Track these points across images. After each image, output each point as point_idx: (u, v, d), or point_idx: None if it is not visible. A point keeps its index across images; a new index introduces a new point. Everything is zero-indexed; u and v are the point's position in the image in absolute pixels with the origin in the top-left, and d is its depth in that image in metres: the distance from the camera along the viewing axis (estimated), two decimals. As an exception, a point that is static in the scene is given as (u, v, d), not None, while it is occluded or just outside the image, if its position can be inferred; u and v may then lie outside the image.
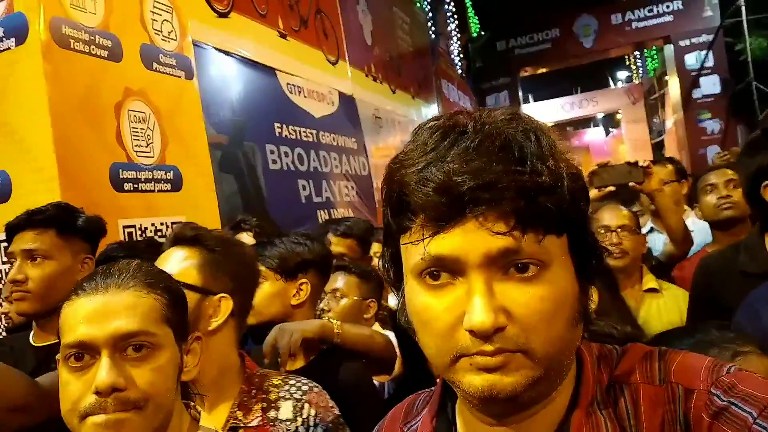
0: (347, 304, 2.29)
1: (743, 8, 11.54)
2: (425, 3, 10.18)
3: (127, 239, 2.73)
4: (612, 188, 2.60)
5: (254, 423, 1.35)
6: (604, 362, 0.73)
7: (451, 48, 12.61)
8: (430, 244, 0.64)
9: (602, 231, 2.45)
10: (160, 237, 2.92)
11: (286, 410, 1.37)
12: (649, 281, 2.47)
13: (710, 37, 12.48)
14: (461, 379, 0.65)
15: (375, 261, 2.84)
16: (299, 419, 1.36)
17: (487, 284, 0.63)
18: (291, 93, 4.85)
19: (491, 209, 0.62)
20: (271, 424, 1.35)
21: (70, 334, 0.99)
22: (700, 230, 3.15)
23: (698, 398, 0.65)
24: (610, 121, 22.62)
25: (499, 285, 0.64)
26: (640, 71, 18.71)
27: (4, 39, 2.62)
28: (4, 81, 2.63)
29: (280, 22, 4.82)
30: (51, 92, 2.55)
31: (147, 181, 2.98)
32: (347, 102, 5.85)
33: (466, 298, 0.63)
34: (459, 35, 13.13)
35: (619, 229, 2.42)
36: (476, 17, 15.18)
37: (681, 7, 13.06)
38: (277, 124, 4.56)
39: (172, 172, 3.14)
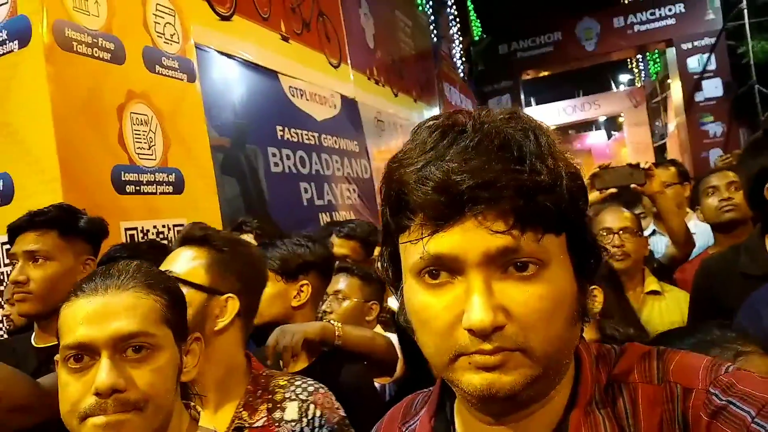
0: (349, 306, 2.29)
1: (745, 11, 11.55)
2: (427, 6, 10.20)
3: (128, 241, 2.73)
4: (613, 190, 2.60)
5: (259, 423, 1.35)
6: (602, 362, 0.73)
7: (453, 51, 12.62)
8: (429, 242, 0.64)
9: (604, 233, 2.45)
10: (161, 239, 2.92)
11: (291, 411, 1.37)
12: (651, 283, 2.47)
13: (712, 41, 12.46)
14: (460, 378, 0.65)
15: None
16: (305, 420, 1.36)
17: (486, 283, 0.63)
18: (293, 96, 4.86)
19: (490, 208, 0.62)
20: (276, 424, 1.35)
21: (69, 336, 0.99)
22: (702, 232, 3.15)
23: (697, 397, 0.65)
24: (612, 124, 22.63)
25: (498, 284, 0.64)
26: (643, 74, 18.70)
27: (7, 42, 2.63)
28: (7, 83, 2.63)
29: (283, 26, 4.83)
30: (54, 94, 2.56)
31: (149, 183, 2.98)
32: (349, 105, 5.86)
33: (465, 297, 0.63)
34: (461, 38, 13.15)
35: (621, 231, 2.42)
36: (478, 20, 15.21)
37: (683, 10, 13.05)
38: (279, 127, 4.56)
39: (174, 174, 3.15)
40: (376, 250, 3.05)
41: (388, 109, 6.91)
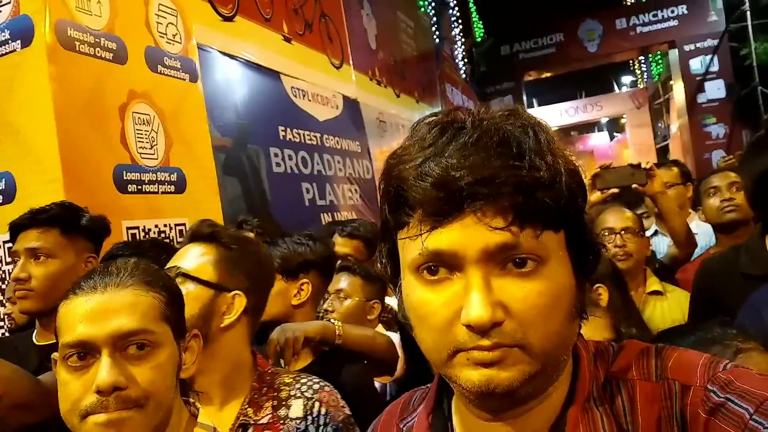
0: (351, 305, 2.29)
1: (748, 13, 11.54)
2: (429, 7, 10.20)
3: (130, 240, 2.74)
4: (615, 190, 2.59)
5: (264, 420, 1.35)
6: (600, 358, 0.73)
7: (456, 52, 12.63)
8: (428, 239, 0.64)
9: (606, 233, 2.45)
10: (163, 239, 2.93)
11: (296, 408, 1.37)
12: (653, 284, 2.47)
13: (715, 42, 12.46)
14: (458, 374, 0.65)
15: None
16: (309, 418, 1.36)
17: (484, 279, 0.63)
18: (295, 96, 4.86)
19: (489, 204, 0.62)
20: (281, 422, 1.35)
21: (69, 334, 0.99)
22: (704, 233, 3.14)
23: (695, 394, 0.65)
24: (614, 125, 22.59)
25: (497, 280, 0.64)
26: (645, 76, 18.68)
27: (9, 41, 2.64)
28: (10, 83, 2.64)
29: (285, 26, 4.84)
30: (56, 94, 2.57)
31: (151, 182, 2.99)
32: (351, 106, 5.86)
33: (464, 293, 0.63)
34: (463, 39, 13.15)
35: (622, 232, 2.42)
36: (480, 21, 15.22)
37: (686, 11, 13.05)
38: (281, 128, 4.56)
39: (175, 173, 3.15)
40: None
41: (390, 110, 6.92)
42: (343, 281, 2.33)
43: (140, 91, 3.02)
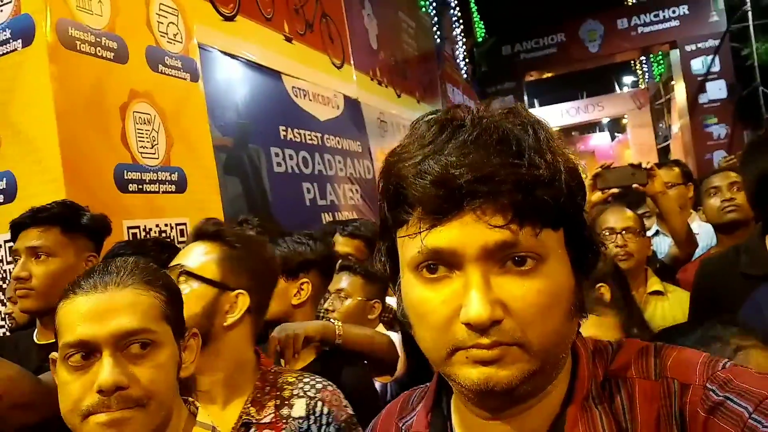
0: (351, 305, 2.29)
1: (750, 13, 11.53)
2: (431, 7, 10.20)
3: (132, 239, 2.74)
4: (615, 190, 2.59)
5: (267, 419, 1.35)
6: (599, 357, 0.73)
7: (457, 52, 12.63)
8: (427, 237, 0.64)
9: (607, 233, 2.45)
10: (164, 238, 2.93)
11: (299, 408, 1.37)
12: (654, 284, 2.47)
13: (716, 42, 12.45)
14: (457, 373, 0.65)
15: None
16: (312, 417, 1.36)
17: (484, 277, 0.63)
18: (296, 96, 4.86)
19: (489, 202, 0.62)
20: (283, 421, 1.35)
21: (69, 333, 0.99)
22: (705, 233, 3.14)
23: (694, 393, 0.65)
24: (615, 126, 22.59)
25: (496, 278, 0.64)
26: (646, 76, 18.69)
27: (10, 40, 2.64)
28: (11, 82, 2.64)
29: (286, 26, 4.84)
30: (57, 93, 2.57)
31: (152, 182, 2.99)
32: (352, 105, 5.86)
33: (463, 292, 0.63)
34: (464, 39, 13.15)
35: (623, 231, 2.42)
36: (482, 22, 15.22)
37: (687, 12, 13.04)
38: (282, 127, 4.56)
39: (176, 173, 3.16)
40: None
41: (391, 110, 6.91)
42: (343, 281, 2.33)
43: (141, 90, 3.02)
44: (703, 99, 12.66)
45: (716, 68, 12.58)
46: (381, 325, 2.40)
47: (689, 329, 1.21)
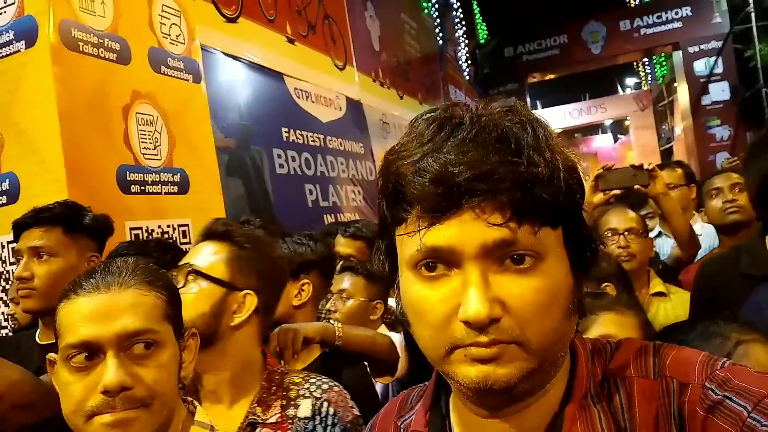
0: (353, 305, 2.28)
1: (753, 15, 11.52)
2: (433, 9, 10.21)
3: (134, 240, 2.74)
4: (617, 191, 2.59)
5: (273, 420, 1.35)
6: (597, 356, 0.73)
7: (459, 54, 12.63)
8: (426, 235, 0.64)
9: (609, 234, 2.44)
10: (166, 239, 2.93)
11: (305, 408, 1.37)
12: (657, 285, 2.46)
13: (719, 44, 12.44)
14: (455, 371, 0.65)
15: None
16: (317, 418, 1.36)
17: (482, 275, 0.63)
18: (298, 98, 4.87)
19: (487, 200, 0.62)
20: (289, 421, 1.34)
21: (71, 334, 0.98)
22: (708, 234, 3.13)
23: (693, 392, 0.65)
24: (618, 127, 22.58)
25: (495, 276, 0.64)
26: (649, 78, 18.68)
27: (14, 42, 2.65)
28: (14, 83, 2.65)
29: (288, 28, 4.85)
30: (60, 94, 2.58)
31: (154, 183, 3.00)
32: (354, 107, 5.87)
33: (462, 290, 0.63)
34: (467, 41, 13.16)
35: (626, 232, 2.41)
36: (484, 23, 15.23)
37: (690, 13, 13.03)
38: (284, 129, 4.57)
39: (179, 174, 3.16)
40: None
41: (393, 111, 6.92)
42: (346, 281, 2.33)
43: (144, 91, 3.03)
44: (706, 101, 12.65)
45: (719, 70, 12.56)
46: (383, 326, 2.40)
47: (690, 326, 1.21)
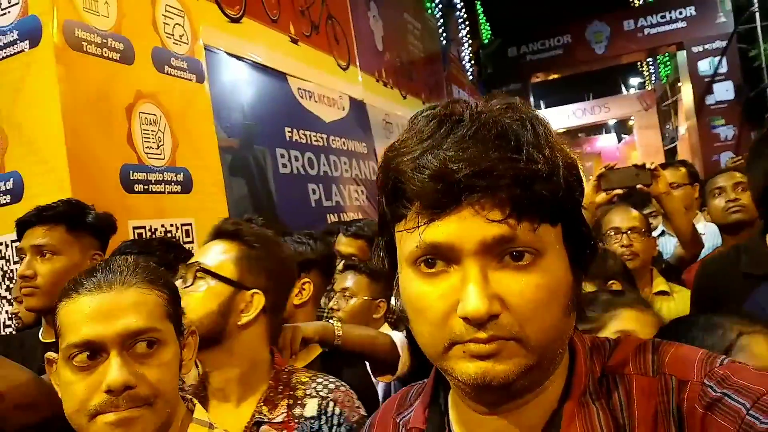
0: (356, 304, 2.29)
1: (757, 14, 11.48)
2: (436, 9, 10.20)
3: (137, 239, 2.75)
4: (619, 191, 2.58)
5: (279, 419, 1.35)
6: (596, 353, 0.73)
7: (463, 54, 12.61)
8: (426, 231, 0.64)
9: (612, 233, 2.44)
10: (170, 238, 2.94)
11: (311, 408, 1.37)
12: (660, 284, 2.46)
13: (724, 44, 12.40)
14: (454, 367, 0.65)
15: None
16: (323, 417, 1.36)
17: (482, 272, 0.63)
18: (302, 98, 4.88)
19: (487, 197, 0.62)
20: (295, 420, 1.35)
21: (74, 334, 0.98)
22: (711, 233, 3.12)
23: (692, 390, 0.65)
24: (622, 127, 22.52)
25: (494, 273, 0.64)
26: (653, 77, 18.63)
27: (18, 42, 2.66)
28: (18, 83, 2.66)
29: (292, 28, 4.85)
30: (63, 94, 2.59)
31: (157, 182, 3.00)
32: (358, 107, 5.87)
33: (461, 286, 0.63)
34: (470, 41, 13.13)
35: (629, 231, 2.41)
36: (487, 23, 15.21)
37: (694, 13, 13.00)
38: (287, 129, 4.58)
39: (182, 174, 3.17)
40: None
41: (396, 111, 6.92)
42: (348, 280, 2.33)
43: (147, 91, 3.03)
44: (710, 100, 12.62)
45: (723, 69, 12.53)
46: (386, 324, 2.40)
47: (693, 319, 1.21)
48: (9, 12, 2.69)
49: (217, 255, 1.42)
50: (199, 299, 1.34)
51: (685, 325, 1.16)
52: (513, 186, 0.62)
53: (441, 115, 0.67)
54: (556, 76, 15.79)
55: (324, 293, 2.07)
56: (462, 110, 0.67)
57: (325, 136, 5.09)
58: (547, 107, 18.65)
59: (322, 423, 1.35)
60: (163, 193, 3.04)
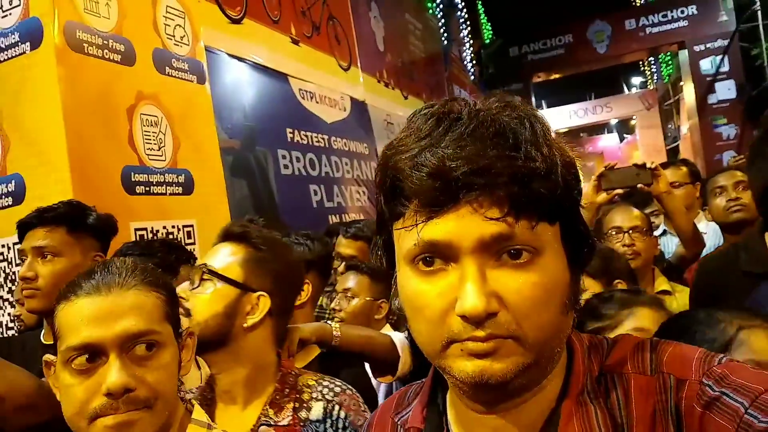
0: (358, 304, 2.28)
1: (759, 13, 11.44)
2: (438, 9, 10.20)
3: (139, 240, 2.75)
4: (620, 191, 2.58)
5: (285, 422, 1.35)
6: (594, 352, 0.73)
7: (464, 54, 12.60)
8: (424, 229, 0.64)
9: (614, 232, 2.44)
10: (171, 240, 2.94)
11: (317, 411, 1.37)
12: (662, 283, 2.45)
13: (725, 42, 12.35)
14: (452, 365, 0.65)
15: None
16: (329, 421, 1.36)
17: (480, 270, 0.63)
18: (303, 98, 4.88)
19: (485, 195, 0.62)
20: (301, 424, 1.35)
21: (73, 336, 0.98)
22: (713, 232, 3.12)
23: (690, 388, 0.65)
24: (624, 127, 22.47)
25: (492, 271, 0.64)
26: (655, 77, 18.58)
27: (19, 43, 2.66)
28: (19, 85, 2.67)
29: (293, 28, 4.86)
30: (65, 96, 2.59)
31: (159, 184, 3.00)
32: (359, 108, 5.88)
33: (459, 284, 0.63)
34: (471, 41, 13.11)
35: (630, 231, 2.41)
36: (489, 23, 15.19)
37: (696, 12, 12.96)
38: (288, 130, 4.58)
39: (183, 175, 3.17)
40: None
41: (397, 112, 6.92)
42: (350, 280, 2.33)
43: (148, 92, 3.04)
44: (712, 99, 12.57)
45: (725, 68, 12.48)
46: (388, 325, 2.40)
47: (693, 314, 1.21)
48: (10, 14, 2.70)
49: (224, 257, 1.42)
50: (205, 301, 1.35)
51: (685, 319, 1.16)
52: (511, 184, 0.62)
53: (439, 113, 0.67)
54: (557, 75, 15.75)
55: (321, 294, 2.06)
56: (460, 108, 0.67)
57: (326, 136, 5.10)
58: (548, 107, 18.62)
59: (327, 426, 1.35)
60: (165, 194, 3.04)
